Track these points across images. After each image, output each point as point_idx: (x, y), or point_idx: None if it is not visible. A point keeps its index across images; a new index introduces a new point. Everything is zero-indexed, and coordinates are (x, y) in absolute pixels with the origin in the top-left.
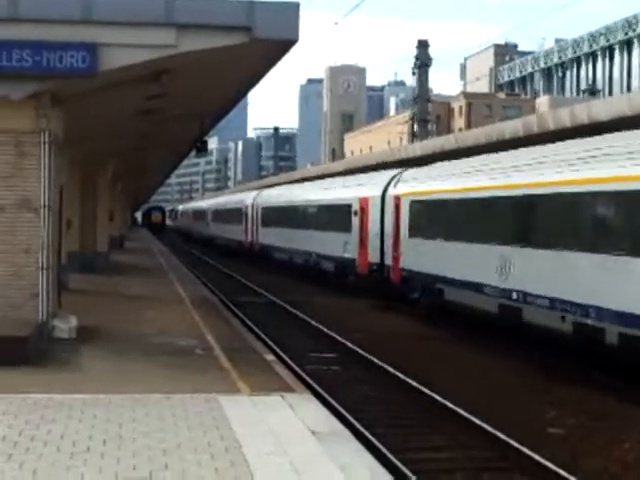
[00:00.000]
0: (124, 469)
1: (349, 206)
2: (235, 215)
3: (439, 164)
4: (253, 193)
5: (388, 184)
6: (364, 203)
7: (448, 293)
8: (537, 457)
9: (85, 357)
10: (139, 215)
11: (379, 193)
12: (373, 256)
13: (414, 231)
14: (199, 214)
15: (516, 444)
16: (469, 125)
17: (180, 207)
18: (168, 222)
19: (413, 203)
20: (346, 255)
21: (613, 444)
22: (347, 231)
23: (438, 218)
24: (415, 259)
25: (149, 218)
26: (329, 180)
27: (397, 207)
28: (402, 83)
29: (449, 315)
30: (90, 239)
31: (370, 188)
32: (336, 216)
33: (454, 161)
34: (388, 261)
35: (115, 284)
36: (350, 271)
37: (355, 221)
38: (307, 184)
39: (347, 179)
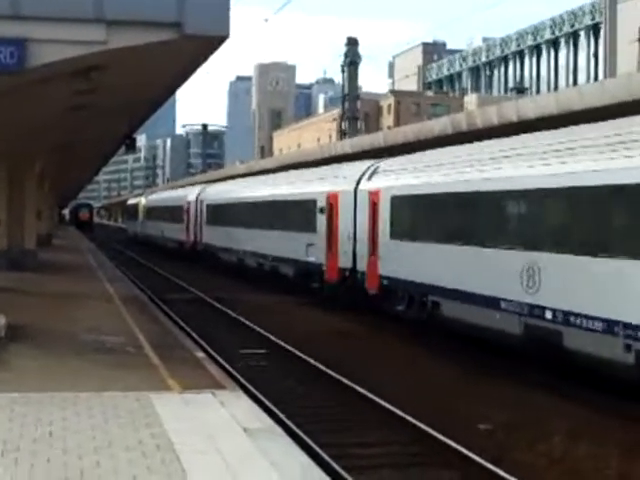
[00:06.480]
0: (55, 468)
1: (181, 208)
2: (130, 211)
3: (224, 183)
4: (144, 196)
5: (199, 194)
6: (187, 205)
7: (247, 262)
8: (465, 451)
9: (14, 356)
10: (67, 212)
11: (194, 199)
12: (192, 237)
13: (210, 222)
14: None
15: (445, 439)
16: (398, 123)
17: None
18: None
19: (209, 205)
20: (182, 238)
21: (541, 439)
22: (181, 222)
23: (222, 215)
24: (212, 239)
25: (77, 216)
26: (174, 190)
27: (200, 208)
28: (331, 81)
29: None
30: (18, 237)
31: (190, 195)
32: (175, 213)
33: (236, 180)
34: (202, 241)
35: (44, 282)
36: (187, 248)
37: (184, 216)
38: (170, 191)
39: (185, 189)
